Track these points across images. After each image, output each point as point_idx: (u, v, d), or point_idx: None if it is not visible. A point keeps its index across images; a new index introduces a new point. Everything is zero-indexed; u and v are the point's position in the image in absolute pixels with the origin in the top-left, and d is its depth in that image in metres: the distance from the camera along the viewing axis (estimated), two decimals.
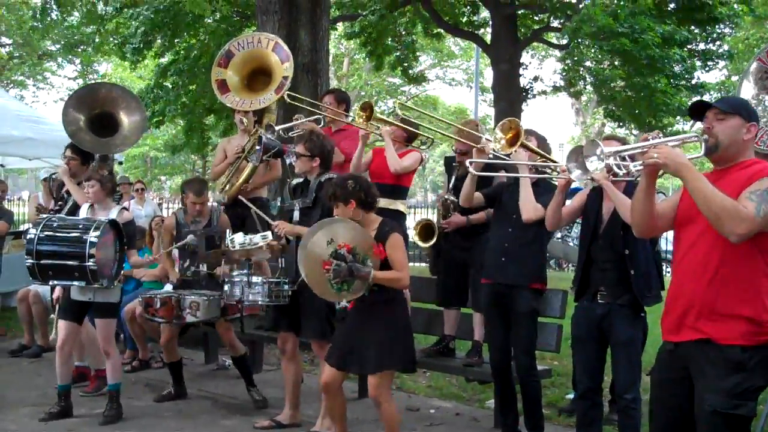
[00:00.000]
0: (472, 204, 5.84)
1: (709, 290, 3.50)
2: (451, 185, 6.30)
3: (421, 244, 6.43)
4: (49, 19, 18.74)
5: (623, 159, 3.67)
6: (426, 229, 6.42)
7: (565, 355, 6.99)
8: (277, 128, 7.07)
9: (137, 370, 8.23)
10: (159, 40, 17.16)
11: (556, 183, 5.17)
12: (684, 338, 3.59)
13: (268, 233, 6.10)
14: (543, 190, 5.53)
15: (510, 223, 5.64)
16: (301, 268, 5.20)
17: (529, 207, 5.48)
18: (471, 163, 5.35)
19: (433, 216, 6.61)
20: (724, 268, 3.48)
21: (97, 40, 17.81)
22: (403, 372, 5.99)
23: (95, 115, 7.83)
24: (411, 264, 7.19)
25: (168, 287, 7.53)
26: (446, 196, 6.28)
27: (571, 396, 6.70)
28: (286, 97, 7.33)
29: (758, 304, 3.46)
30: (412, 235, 6.38)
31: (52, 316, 7.41)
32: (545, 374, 6.33)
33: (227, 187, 7.54)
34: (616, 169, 3.66)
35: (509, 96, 18.76)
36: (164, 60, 18.46)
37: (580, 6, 16.65)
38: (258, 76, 7.56)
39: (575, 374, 5.48)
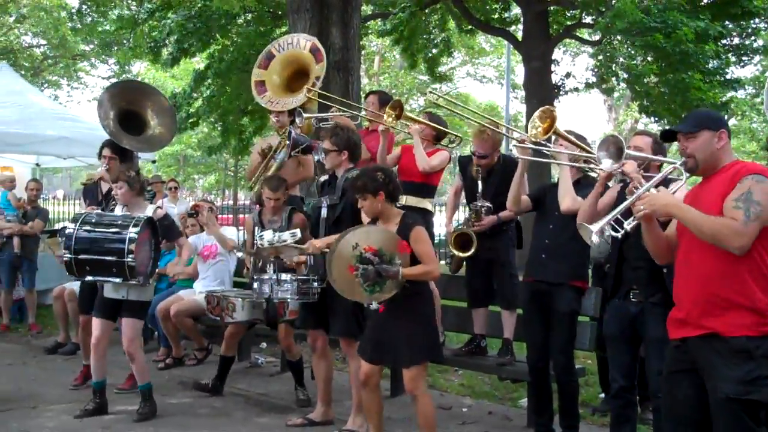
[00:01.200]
0: (520, 208, 5.76)
1: (710, 287, 3.65)
2: (480, 191, 6.23)
3: (459, 254, 6.35)
4: (86, 21, 18.93)
5: (618, 221, 3.93)
6: (461, 238, 6.33)
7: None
8: (307, 115, 7.06)
9: (171, 367, 8.29)
10: (192, 45, 17.24)
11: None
12: (690, 334, 3.73)
13: (297, 231, 6.10)
14: (584, 186, 5.47)
15: (551, 220, 5.60)
16: (330, 277, 5.26)
17: (567, 197, 5.41)
18: (519, 159, 5.39)
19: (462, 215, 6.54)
20: (722, 265, 3.62)
21: (130, 41, 17.90)
22: (432, 362, 5.99)
23: (123, 112, 7.87)
24: (441, 263, 7.19)
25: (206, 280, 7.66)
26: (479, 204, 6.23)
27: (603, 395, 6.65)
28: (309, 95, 7.32)
29: (759, 295, 3.58)
30: (450, 246, 6.34)
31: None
32: (580, 373, 6.27)
33: (256, 187, 7.55)
34: (613, 233, 3.98)
35: (541, 93, 18.64)
36: (196, 60, 18.58)
37: (613, 2, 16.48)
38: (299, 77, 7.56)
39: (603, 374, 5.44)
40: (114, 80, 33.28)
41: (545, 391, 5.81)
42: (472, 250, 6.16)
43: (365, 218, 5.51)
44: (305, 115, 7.02)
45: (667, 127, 6.68)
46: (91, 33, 21.08)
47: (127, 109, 7.91)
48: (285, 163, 7.24)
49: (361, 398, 5.65)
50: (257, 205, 7.35)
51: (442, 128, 6.88)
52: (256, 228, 6.95)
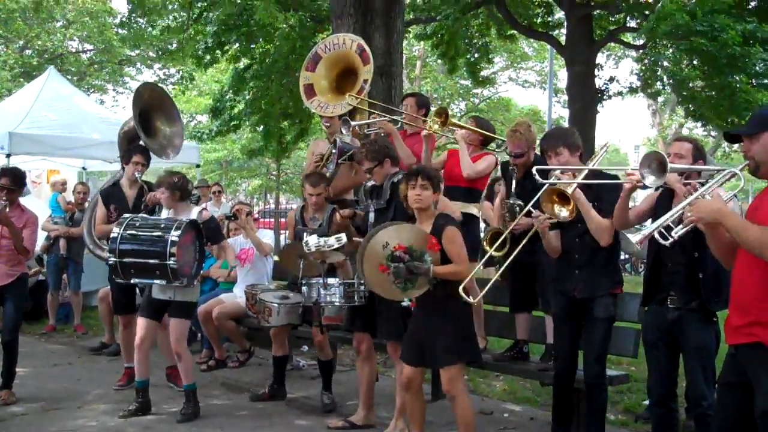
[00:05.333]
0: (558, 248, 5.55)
1: (757, 295, 3.56)
2: (513, 190, 6.17)
3: (493, 253, 6.25)
4: (133, 27, 19.16)
5: (668, 228, 3.90)
6: (496, 238, 6.23)
7: (642, 361, 6.85)
8: (353, 123, 7.07)
9: (213, 369, 8.36)
10: (234, 45, 17.35)
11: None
12: (740, 341, 3.64)
13: (342, 235, 6.13)
14: (599, 191, 5.29)
15: (574, 232, 5.37)
16: (363, 277, 5.33)
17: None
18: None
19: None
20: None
21: (174, 46, 18.11)
22: (470, 365, 5.96)
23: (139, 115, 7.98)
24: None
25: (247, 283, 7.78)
26: (511, 201, 6.16)
27: (647, 402, 6.57)
28: (357, 101, 7.33)
29: None
30: (484, 244, 6.25)
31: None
32: (623, 379, 6.19)
33: None
34: (662, 241, 3.94)
35: (584, 97, 18.51)
36: (240, 65, 18.70)
37: (657, 5, 16.30)
38: (348, 77, 7.57)
39: (650, 381, 5.34)
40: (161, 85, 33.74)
41: (568, 401, 5.62)
42: (505, 249, 5.88)
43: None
44: (353, 123, 7.01)
45: (728, 130, 6.60)
46: (137, 40, 21.34)
47: (146, 111, 8.03)
48: (339, 169, 7.27)
49: (404, 402, 5.64)
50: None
51: (488, 133, 6.84)
52: (298, 226, 6.99)
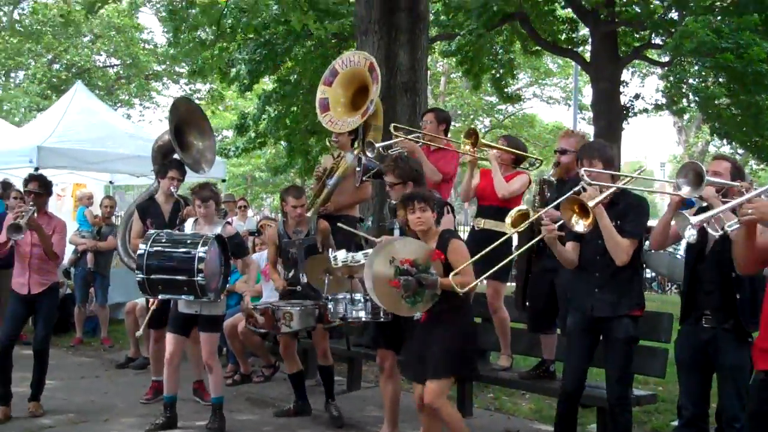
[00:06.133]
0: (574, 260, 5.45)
1: None
2: (548, 194, 6.11)
3: (511, 230, 6.06)
4: (164, 43, 19.39)
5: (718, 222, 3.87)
6: (522, 219, 6.08)
7: (670, 381, 6.81)
8: (377, 146, 7.10)
9: (238, 383, 8.38)
10: (261, 71, 17.56)
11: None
12: None
13: (371, 251, 6.14)
14: (626, 210, 5.23)
15: (595, 249, 5.27)
16: (372, 294, 5.36)
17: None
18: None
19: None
20: None
21: (200, 63, 18.26)
22: (461, 380, 5.94)
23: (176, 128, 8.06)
24: (508, 284, 7.14)
25: (272, 297, 7.71)
26: (545, 177, 6.13)
27: (675, 423, 6.51)
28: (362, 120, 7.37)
29: None
30: (507, 222, 6.08)
31: (139, 332, 7.59)
32: (650, 400, 6.15)
33: (312, 209, 7.63)
34: (711, 231, 3.89)
35: (609, 114, 18.46)
36: (266, 80, 18.89)
37: (683, 23, 16.25)
38: (363, 94, 7.61)
39: (680, 401, 5.28)
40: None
41: (572, 419, 5.49)
42: (524, 225, 5.65)
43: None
44: (377, 145, 7.03)
45: None
46: (165, 56, 21.57)
47: (180, 125, 8.11)
48: (341, 185, 7.30)
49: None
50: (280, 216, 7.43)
51: (519, 152, 6.84)
52: (283, 239, 7.08)
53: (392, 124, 7.26)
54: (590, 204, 4.95)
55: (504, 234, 6.29)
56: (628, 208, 5.23)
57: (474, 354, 5.57)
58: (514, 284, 6.82)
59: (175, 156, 7.97)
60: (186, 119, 8.22)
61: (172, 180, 7.52)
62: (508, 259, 5.63)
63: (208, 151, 8.40)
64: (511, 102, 25.49)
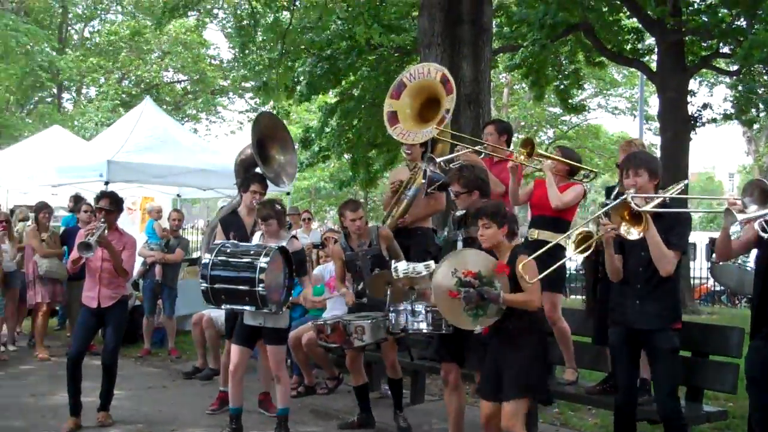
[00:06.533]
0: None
1: None
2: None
3: (576, 254, 6.02)
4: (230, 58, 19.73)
5: None
6: (584, 241, 6.03)
7: (741, 397, 6.64)
8: (438, 160, 7.10)
9: (303, 395, 8.42)
10: (322, 85, 17.75)
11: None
12: None
13: (431, 262, 6.13)
14: (672, 223, 5.15)
15: (638, 261, 5.22)
16: (435, 300, 5.34)
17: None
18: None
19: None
20: None
21: (265, 80, 18.54)
22: (538, 402, 5.87)
23: (258, 142, 8.15)
24: (573, 297, 7.06)
25: (336, 310, 7.75)
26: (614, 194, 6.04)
27: None
28: (438, 134, 7.34)
29: None
30: (570, 245, 6.02)
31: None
32: (721, 416, 6.00)
33: (388, 220, 7.64)
34: (761, 233, 3.92)
35: (676, 124, 18.13)
36: (331, 94, 19.08)
37: (752, 31, 15.90)
38: (431, 105, 7.62)
39: (750, 417, 5.15)
40: (250, 115, 34.57)
41: None
42: (589, 251, 5.52)
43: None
44: (438, 160, 7.02)
45: None
46: (231, 71, 21.93)
47: (262, 139, 8.19)
48: (417, 197, 7.30)
49: None
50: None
51: (574, 163, 6.78)
52: (347, 252, 7.10)
53: (448, 131, 7.27)
54: (645, 208, 4.89)
55: (559, 245, 6.24)
56: (673, 222, 5.17)
57: (546, 376, 5.48)
58: (572, 296, 6.73)
59: (257, 170, 8.06)
60: (268, 133, 8.30)
61: (254, 194, 7.57)
62: (551, 268, 5.50)
63: (289, 166, 8.46)
64: (576, 113, 25.25)
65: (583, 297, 6.37)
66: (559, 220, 6.65)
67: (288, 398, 6.76)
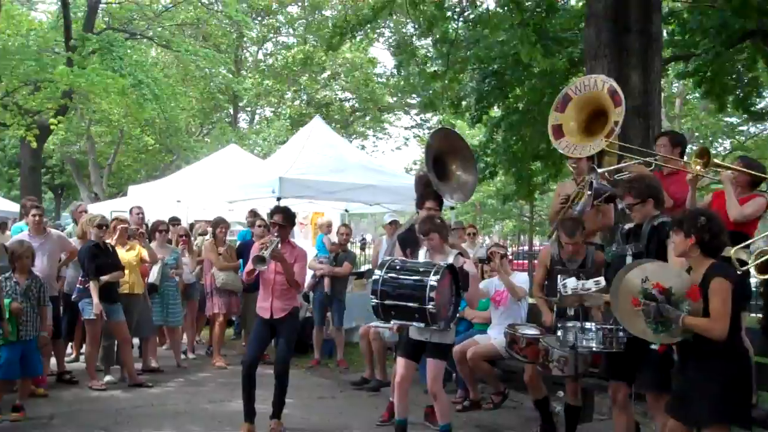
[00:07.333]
0: None
1: None
2: None
3: (758, 276, 5.77)
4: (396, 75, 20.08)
5: None
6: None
7: None
8: (601, 170, 6.94)
9: (468, 410, 8.42)
10: (491, 102, 17.75)
11: None
12: None
13: (601, 279, 6.01)
14: None
15: None
16: (612, 300, 5.16)
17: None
18: None
19: None
20: None
21: (430, 93, 18.74)
22: (737, 425, 5.59)
23: (436, 158, 8.18)
24: (752, 315, 6.73)
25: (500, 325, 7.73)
26: None
27: None
28: (606, 144, 7.19)
29: None
30: (752, 267, 5.75)
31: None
32: None
33: (554, 234, 7.53)
34: None
35: None
36: (496, 109, 19.03)
37: None
38: (598, 118, 7.48)
39: None
40: (415, 131, 35.04)
41: None
42: None
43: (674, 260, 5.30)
44: (599, 170, 6.88)
45: None
46: (397, 89, 22.29)
47: (438, 155, 8.23)
48: (584, 212, 7.17)
49: None
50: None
51: (756, 173, 6.47)
52: (556, 266, 6.93)
53: (615, 143, 7.09)
54: None
55: (740, 260, 5.94)
56: None
57: (748, 401, 5.11)
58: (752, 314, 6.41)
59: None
60: (446, 149, 8.30)
61: (429, 210, 7.67)
62: None
63: (469, 182, 8.42)
64: (759, 120, 23.99)
65: (759, 315, 6.04)
66: (738, 235, 6.32)
67: (448, 414, 6.74)
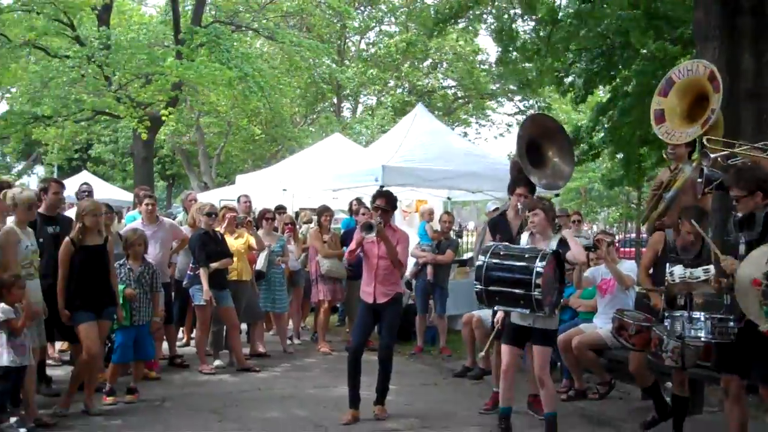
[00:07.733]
0: None
1: None
2: None
3: None
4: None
5: None
6: None
7: None
8: (712, 156, 6.71)
9: (573, 399, 8.32)
10: (597, 82, 17.40)
11: None
12: None
13: (711, 267, 5.83)
14: None
15: None
16: (736, 280, 5.06)
17: None
18: None
19: None
20: None
21: (534, 75, 18.49)
22: None
23: (529, 144, 8.10)
24: None
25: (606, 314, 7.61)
26: None
27: None
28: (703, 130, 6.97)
29: None
30: None
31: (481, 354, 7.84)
32: None
33: (646, 224, 7.37)
34: None
35: None
36: (602, 92, 18.65)
37: None
38: (701, 104, 7.26)
39: None
40: (519, 117, 34.74)
41: None
42: None
43: None
44: (713, 156, 6.66)
45: None
46: (499, 75, 22.04)
47: (533, 141, 8.15)
48: (679, 199, 6.98)
49: None
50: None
51: None
52: (670, 254, 6.75)
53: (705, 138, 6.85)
54: None
55: None
56: None
57: None
58: None
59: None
60: (543, 135, 8.22)
61: (519, 196, 7.62)
62: None
63: (565, 169, 8.33)
64: None
65: None
66: None
67: (553, 403, 6.68)
